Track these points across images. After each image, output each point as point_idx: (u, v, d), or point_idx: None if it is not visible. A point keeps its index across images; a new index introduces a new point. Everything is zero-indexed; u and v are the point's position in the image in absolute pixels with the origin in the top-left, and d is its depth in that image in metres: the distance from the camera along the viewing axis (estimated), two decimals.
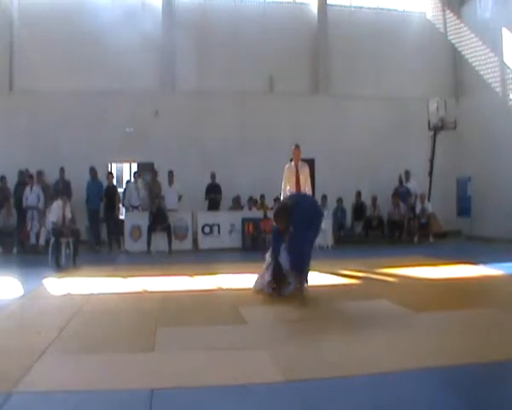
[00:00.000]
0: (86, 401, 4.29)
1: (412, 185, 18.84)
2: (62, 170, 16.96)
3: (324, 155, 19.37)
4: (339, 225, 18.38)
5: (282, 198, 10.98)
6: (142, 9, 18.65)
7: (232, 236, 16.93)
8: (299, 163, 10.94)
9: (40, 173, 16.73)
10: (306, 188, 10.88)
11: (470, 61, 20.29)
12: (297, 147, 11.06)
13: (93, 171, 16.90)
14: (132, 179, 17.86)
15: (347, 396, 4.38)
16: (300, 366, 5.06)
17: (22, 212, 16.08)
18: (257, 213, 17.15)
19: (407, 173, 19.02)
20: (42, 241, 15.57)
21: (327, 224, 16.69)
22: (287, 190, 10.94)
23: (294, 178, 10.83)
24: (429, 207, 18.21)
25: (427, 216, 18.07)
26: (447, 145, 19.50)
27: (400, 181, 19.21)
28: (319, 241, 16.10)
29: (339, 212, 18.59)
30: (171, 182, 17.28)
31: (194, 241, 16.92)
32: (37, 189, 16.11)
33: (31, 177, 16.39)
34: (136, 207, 17.11)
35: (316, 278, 9.79)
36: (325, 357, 5.33)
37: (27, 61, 17.77)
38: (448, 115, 18.42)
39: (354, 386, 4.56)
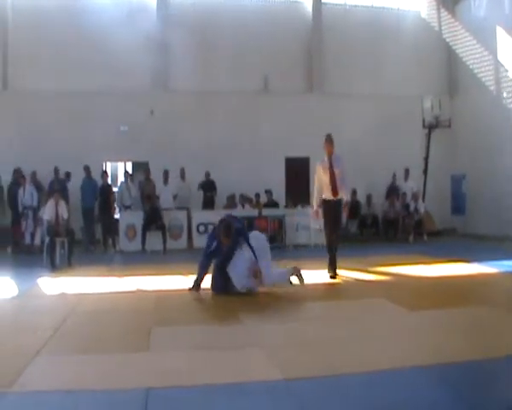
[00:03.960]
0: (81, 402, 4.27)
1: (410, 184, 18.78)
2: (56, 170, 16.90)
3: (319, 153, 19.26)
4: None
5: (314, 204, 10.15)
6: (137, 8, 18.56)
7: None
8: (333, 157, 9.86)
9: (34, 174, 16.71)
10: (343, 186, 9.78)
11: (464, 59, 20.33)
12: (328, 138, 9.87)
13: (87, 169, 16.86)
14: (123, 179, 17.81)
15: (344, 395, 4.36)
16: (297, 365, 5.03)
17: (17, 211, 16.01)
18: (251, 212, 17.08)
19: (406, 172, 18.95)
20: (37, 240, 15.52)
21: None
22: (317, 192, 9.93)
23: (328, 175, 9.76)
24: (423, 205, 18.21)
25: (421, 214, 18.06)
26: (442, 143, 19.56)
27: (393, 179, 19.23)
28: (314, 239, 16.12)
29: None
30: (166, 181, 17.28)
31: (189, 240, 16.88)
32: (30, 188, 16.03)
33: (23, 177, 16.31)
34: (129, 207, 17.08)
35: (312, 277, 9.79)
36: (322, 356, 5.31)
37: (22, 60, 17.74)
38: (442, 113, 18.50)
39: (350, 385, 4.54)
